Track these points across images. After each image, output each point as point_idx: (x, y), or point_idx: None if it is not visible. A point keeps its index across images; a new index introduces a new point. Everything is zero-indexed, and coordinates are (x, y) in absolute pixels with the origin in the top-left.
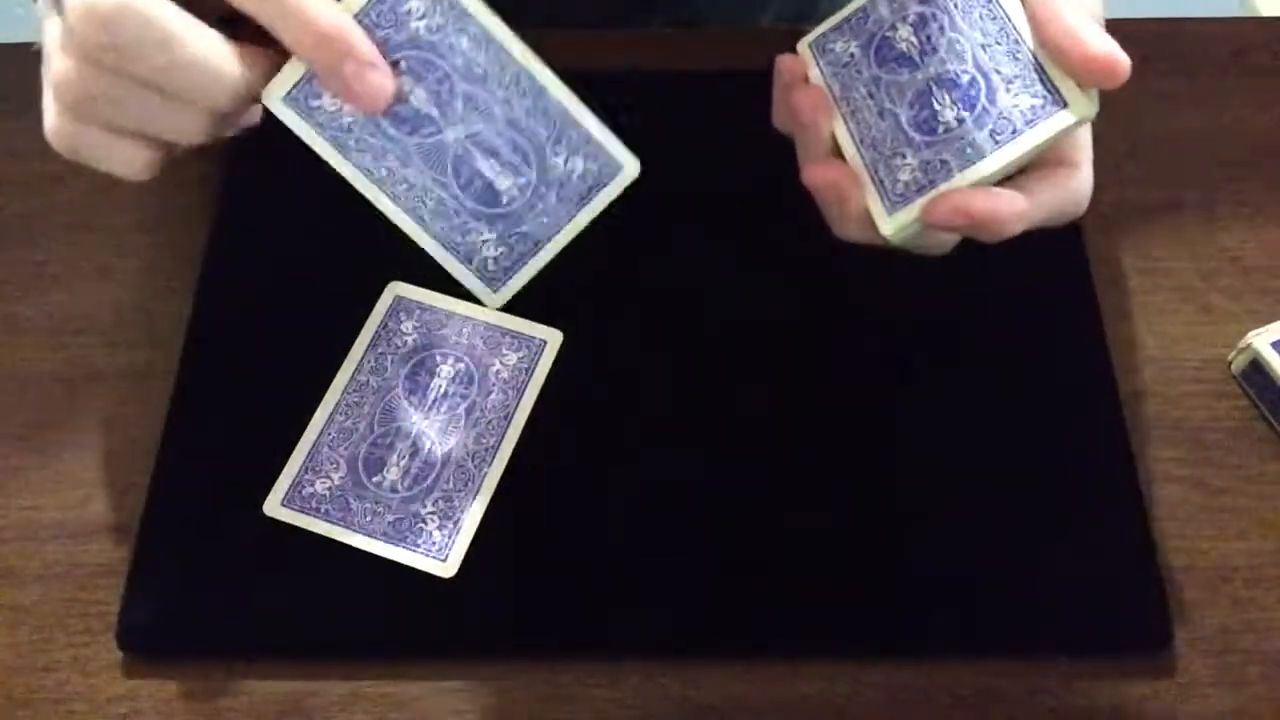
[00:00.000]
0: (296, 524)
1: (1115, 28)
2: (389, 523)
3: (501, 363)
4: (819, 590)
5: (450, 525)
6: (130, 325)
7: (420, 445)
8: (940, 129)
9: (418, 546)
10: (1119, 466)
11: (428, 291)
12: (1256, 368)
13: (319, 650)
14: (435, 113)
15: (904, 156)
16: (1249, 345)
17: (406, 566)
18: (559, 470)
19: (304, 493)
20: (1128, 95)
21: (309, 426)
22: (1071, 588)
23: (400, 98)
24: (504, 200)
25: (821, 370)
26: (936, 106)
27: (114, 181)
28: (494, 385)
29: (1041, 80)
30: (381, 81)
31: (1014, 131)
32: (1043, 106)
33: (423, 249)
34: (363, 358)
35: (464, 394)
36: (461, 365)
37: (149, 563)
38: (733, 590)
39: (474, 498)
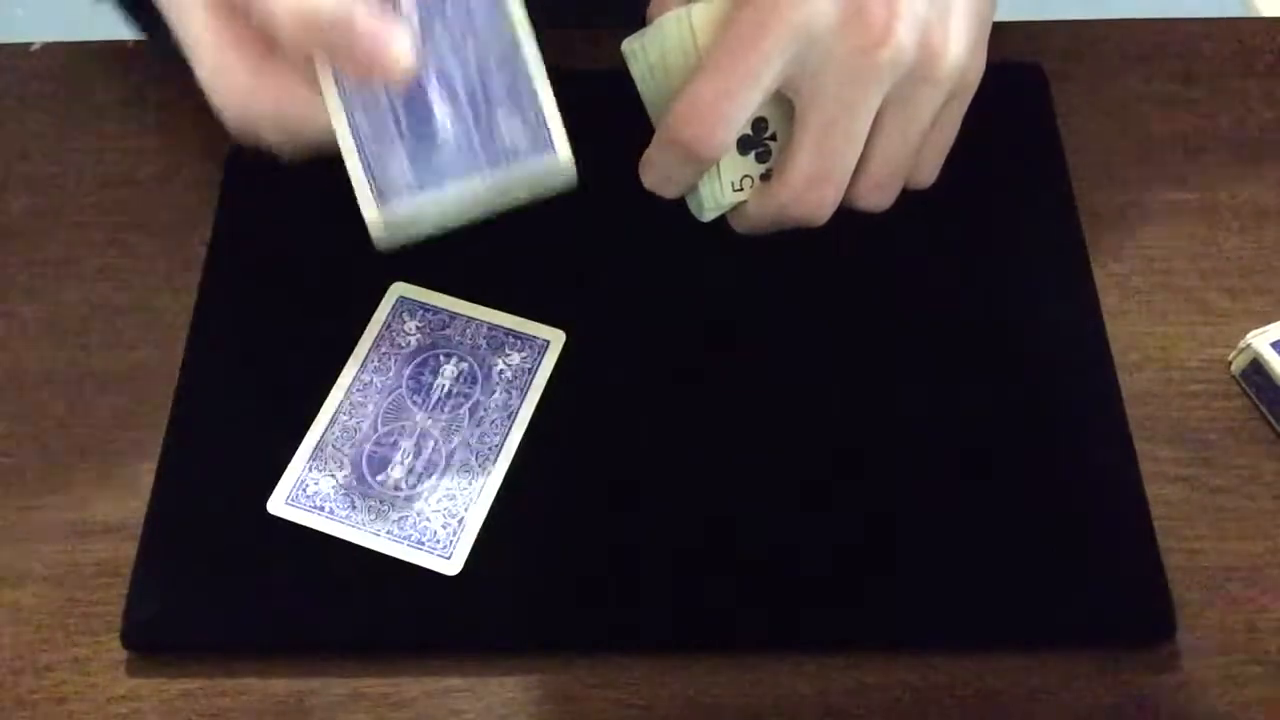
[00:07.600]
0: (300, 522)
1: (1117, 28)
2: (393, 521)
3: (505, 362)
4: (819, 589)
5: (454, 524)
6: (130, 325)
7: (424, 444)
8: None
9: (422, 545)
10: (1120, 466)
11: (431, 292)
12: (1256, 368)
13: (321, 649)
14: (415, 24)
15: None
16: (1249, 345)
17: (411, 565)
18: (562, 469)
19: (308, 491)
20: (1128, 95)
21: (313, 425)
22: (1072, 587)
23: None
24: (435, 126)
25: (822, 368)
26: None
27: (114, 181)
28: (497, 385)
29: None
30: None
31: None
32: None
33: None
34: (366, 357)
35: (467, 393)
36: (465, 365)
37: (154, 561)
38: (734, 589)
39: (478, 496)
